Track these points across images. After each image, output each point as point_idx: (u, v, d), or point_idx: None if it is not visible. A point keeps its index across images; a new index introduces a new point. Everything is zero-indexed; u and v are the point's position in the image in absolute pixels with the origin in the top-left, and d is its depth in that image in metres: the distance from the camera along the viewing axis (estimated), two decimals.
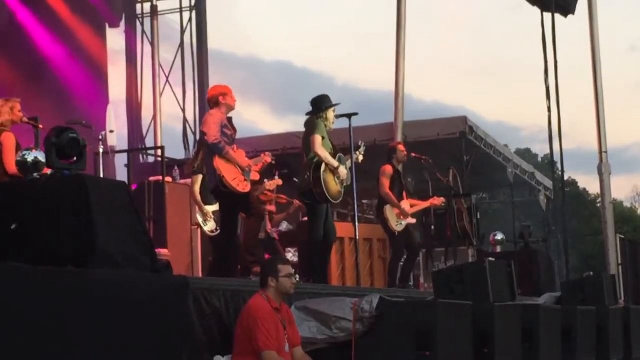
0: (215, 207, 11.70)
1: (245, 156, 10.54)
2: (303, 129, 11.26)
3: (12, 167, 9.26)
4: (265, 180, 13.33)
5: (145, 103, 21.97)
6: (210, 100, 10.45)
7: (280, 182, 13.81)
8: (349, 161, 11.24)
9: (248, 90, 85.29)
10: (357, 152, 11.56)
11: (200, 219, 12.16)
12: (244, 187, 10.17)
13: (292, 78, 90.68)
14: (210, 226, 12.08)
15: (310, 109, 11.20)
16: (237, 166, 10.14)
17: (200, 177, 11.88)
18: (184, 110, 21.92)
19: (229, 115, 10.54)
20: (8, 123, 9.91)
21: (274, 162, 12.19)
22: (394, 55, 17.54)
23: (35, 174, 8.20)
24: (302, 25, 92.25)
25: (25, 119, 10.48)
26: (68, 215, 7.46)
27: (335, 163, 10.93)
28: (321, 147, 10.82)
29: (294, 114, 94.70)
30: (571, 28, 17.22)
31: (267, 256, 12.19)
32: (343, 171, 11.00)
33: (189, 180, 14.07)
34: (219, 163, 10.00)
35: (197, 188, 12.06)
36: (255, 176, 10.90)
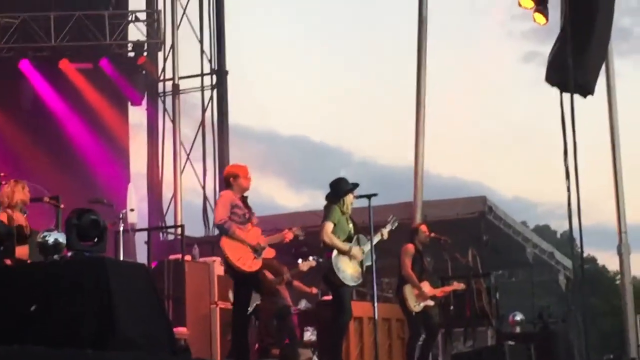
0: None
1: (260, 234, 10.53)
2: (321, 205, 11.33)
3: None
4: (300, 261, 13.24)
5: (165, 179, 22.16)
6: (224, 179, 10.64)
7: (314, 263, 13.49)
8: (363, 247, 11.21)
9: (265, 164, 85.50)
10: (386, 227, 11.58)
11: (232, 297, 12.14)
12: (250, 265, 10.17)
13: (309, 152, 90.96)
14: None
15: (329, 189, 11.24)
16: (245, 245, 10.18)
17: None
18: (204, 188, 22.07)
19: (245, 194, 10.58)
20: (20, 203, 9.98)
21: (301, 239, 12.13)
22: (412, 130, 17.63)
23: (56, 256, 8.23)
24: (318, 100, 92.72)
25: (46, 199, 10.57)
26: (88, 297, 7.48)
27: (345, 247, 10.92)
28: (329, 234, 10.85)
29: (311, 189, 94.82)
30: (590, 106, 17.30)
31: (286, 340, 12.15)
32: (356, 252, 10.99)
33: (208, 259, 14.16)
34: (224, 243, 10.10)
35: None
36: (270, 253, 10.91)
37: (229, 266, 10.23)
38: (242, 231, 10.19)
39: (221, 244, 10.12)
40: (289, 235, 11.31)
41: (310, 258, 13.46)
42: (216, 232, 21.13)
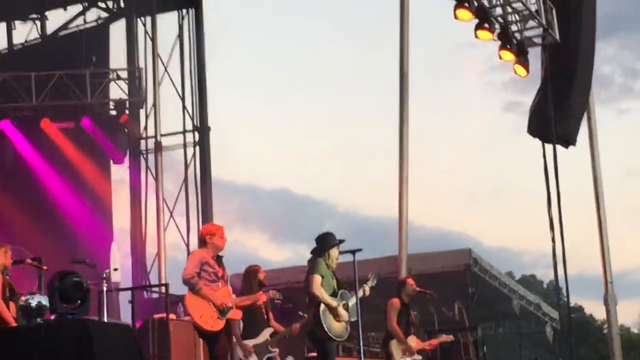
0: (255, 341, 11.59)
1: (230, 294, 10.39)
2: (304, 260, 11.26)
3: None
4: (295, 325, 12.78)
5: (149, 236, 22.04)
6: (199, 239, 10.48)
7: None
8: (354, 298, 11.16)
9: (248, 218, 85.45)
10: (368, 283, 11.50)
11: (240, 354, 12.00)
12: (212, 325, 9.95)
13: (292, 205, 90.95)
14: None
15: (315, 243, 11.19)
16: (210, 303, 9.97)
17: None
18: (187, 244, 21.94)
19: (220, 254, 10.43)
20: (2, 267, 9.86)
21: (278, 300, 11.98)
22: (395, 181, 17.62)
23: (39, 319, 8.16)
24: (300, 153, 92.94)
25: (29, 260, 10.48)
26: None
27: (333, 303, 10.84)
28: (319, 287, 10.77)
29: (294, 242, 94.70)
30: (572, 156, 17.38)
31: None
32: (342, 312, 10.91)
33: None
34: (188, 299, 9.95)
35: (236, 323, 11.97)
36: (237, 315, 10.70)
37: (193, 323, 10.12)
38: (209, 289, 10.01)
39: (185, 300, 10.02)
40: (262, 298, 11.19)
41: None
42: None
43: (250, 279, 11.79)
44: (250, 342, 11.78)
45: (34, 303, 8.35)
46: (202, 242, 10.31)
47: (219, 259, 10.35)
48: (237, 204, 74.22)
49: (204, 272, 10.02)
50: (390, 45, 19.91)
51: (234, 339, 11.91)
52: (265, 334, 11.66)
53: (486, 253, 20.70)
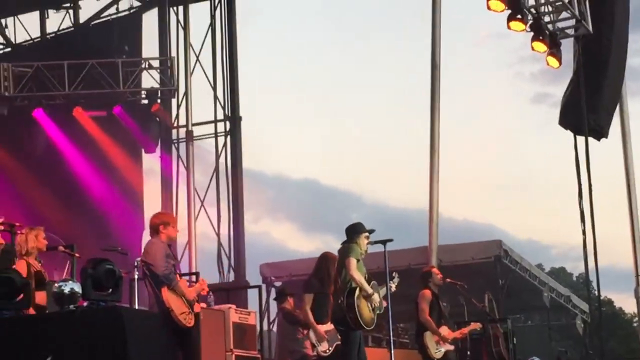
0: (327, 327, 11.61)
1: (186, 285, 9.87)
2: (332, 249, 11.27)
3: None
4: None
5: (179, 226, 22.07)
6: (152, 228, 9.77)
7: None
8: (383, 289, 11.18)
9: (276, 209, 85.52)
10: (391, 282, 11.49)
11: (313, 339, 12.02)
12: (189, 321, 9.46)
13: (320, 196, 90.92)
14: (324, 346, 11.94)
15: (345, 235, 11.21)
16: (183, 299, 9.48)
17: (312, 296, 11.82)
18: (218, 235, 22.01)
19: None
20: (34, 250, 9.95)
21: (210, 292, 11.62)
22: (423, 172, 17.62)
23: (72, 306, 8.22)
24: (329, 144, 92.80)
25: (61, 248, 10.56)
26: (103, 347, 7.47)
27: (369, 289, 10.87)
28: (356, 271, 10.78)
29: (322, 233, 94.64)
30: (604, 148, 17.28)
31: None
32: (376, 299, 10.94)
33: (223, 306, 14.09)
34: (167, 295, 9.29)
35: (309, 307, 11.98)
36: (198, 308, 10.33)
37: (170, 320, 9.26)
38: (181, 284, 9.58)
39: (164, 296, 9.27)
40: (206, 288, 10.43)
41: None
42: (231, 278, 21.31)
43: (328, 264, 11.61)
44: (322, 328, 11.80)
45: (66, 290, 8.41)
46: (155, 232, 9.69)
47: (170, 249, 9.90)
48: (265, 195, 74.24)
49: (168, 265, 9.50)
50: (422, 36, 19.90)
51: (309, 324, 11.89)
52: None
53: (515, 246, 20.65)
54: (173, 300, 9.32)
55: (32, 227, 10.26)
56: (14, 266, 9.64)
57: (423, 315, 12.85)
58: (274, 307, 20.08)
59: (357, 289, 10.75)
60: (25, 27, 24.35)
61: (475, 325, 14.08)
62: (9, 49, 24.27)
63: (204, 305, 13.66)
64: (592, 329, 23.90)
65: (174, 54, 22.50)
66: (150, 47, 23.05)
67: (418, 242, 19.15)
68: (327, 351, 11.81)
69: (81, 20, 23.94)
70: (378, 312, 11.04)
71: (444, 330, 12.95)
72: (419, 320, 12.98)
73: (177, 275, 9.68)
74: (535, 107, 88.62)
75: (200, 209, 22.17)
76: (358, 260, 10.87)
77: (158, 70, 21.77)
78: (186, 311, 9.42)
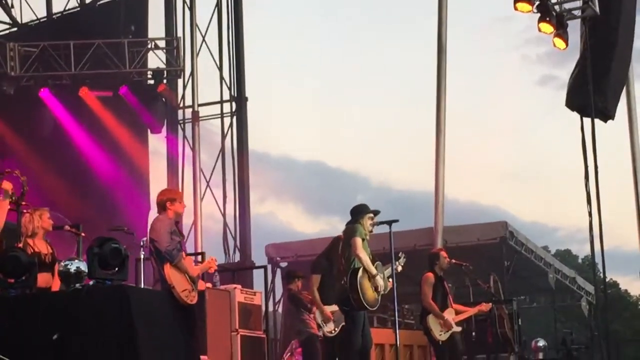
0: (333, 308, 11.63)
1: (192, 263, 9.94)
2: (338, 231, 11.28)
3: None
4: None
5: (185, 206, 22.10)
6: (158, 204, 9.83)
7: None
8: (388, 269, 11.18)
9: (283, 190, 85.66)
10: (397, 263, 11.50)
11: (319, 319, 12.07)
12: (192, 298, 9.45)
13: (326, 178, 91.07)
14: (329, 327, 11.99)
15: (350, 216, 11.22)
16: (186, 276, 9.48)
17: (319, 277, 11.85)
18: (224, 216, 22.04)
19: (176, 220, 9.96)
20: (39, 230, 9.94)
21: (216, 272, 11.62)
22: (427, 154, 17.63)
23: (78, 284, 8.24)
24: (335, 126, 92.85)
25: (67, 227, 10.58)
26: (110, 326, 7.50)
27: (373, 270, 10.87)
28: (362, 250, 10.79)
29: (328, 214, 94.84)
30: (610, 130, 17.27)
31: None
32: (380, 281, 10.94)
33: (229, 286, 14.13)
34: (170, 272, 9.30)
35: (316, 288, 12.02)
36: (202, 286, 10.30)
37: (171, 297, 9.28)
38: (185, 261, 9.59)
39: (166, 272, 9.30)
40: (214, 266, 10.36)
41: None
42: (237, 259, 21.35)
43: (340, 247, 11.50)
44: (329, 309, 11.83)
45: (72, 268, 8.42)
46: (162, 208, 9.74)
47: (177, 226, 9.91)
48: (271, 176, 74.36)
49: (173, 242, 9.52)
50: (428, 18, 19.87)
51: (315, 304, 11.94)
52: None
53: (520, 228, 20.64)
54: (175, 276, 9.31)
55: (37, 207, 10.28)
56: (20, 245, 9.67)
57: (426, 300, 12.84)
58: (279, 287, 20.18)
59: (361, 269, 10.76)
60: (31, 6, 24.35)
61: (484, 307, 13.99)
62: (15, 29, 24.22)
63: (209, 285, 13.74)
64: (597, 311, 23.94)
65: (180, 34, 22.48)
66: (156, 27, 23.04)
67: (423, 224, 19.18)
68: (333, 332, 11.86)
69: (87, 0, 23.90)
70: (382, 292, 11.05)
71: (450, 314, 12.93)
72: (422, 304, 13.00)
73: (183, 253, 9.64)
74: (541, 89, 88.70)
75: (206, 189, 22.19)
76: (363, 240, 10.89)
77: (164, 51, 21.75)
78: (188, 288, 9.39)
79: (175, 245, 9.46)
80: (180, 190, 21.84)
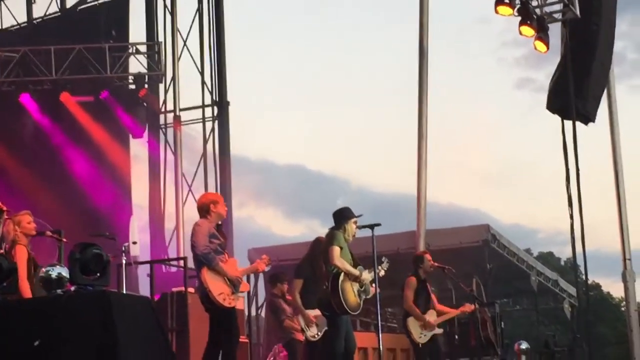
0: (316, 312, 11.60)
1: (236, 265, 10.04)
2: (317, 235, 11.26)
3: (22, 283, 9.11)
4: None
5: (167, 211, 22.10)
6: (201, 208, 10.01)
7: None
8: (371, 273, 11.16)
9: (262, 194, 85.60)
10: (380, 267, 11.47)
11: (302, 323, 12.03)
12: (230, 301, 9.59)
13: (306, 181, 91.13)
14: (312, 331, 11.95)
15: (332, 220, 11.20)
16: (225, 279, 9.64)
17: (301, 281, 11.84)
18: None
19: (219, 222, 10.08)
20: (21, 236, 9.76)
21: (266, 270, 11.80)
22: (409, 159, 17.62)
23: (59, 290, 8.20)
24: (315, 129, 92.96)
25: (49, 233, 10.52)
26: (91, 332, 7.45)
27: (356, 272, 10.85)
28: (339, 259, 10.75)
29: (307, 218, 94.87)
30: (591, 134, 17.34)
31: None
32: (367, 276, 10.93)
33: None
34: (206, 275, 9.50)
35: (297, 292, 11.99)
36: (245, 287, 10.43)
37: (208, 301, 9.57)
38: (223, 263, 9.70)
39: (203, 276, 9.51)
40: (262, 266, 10.63)
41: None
42: None
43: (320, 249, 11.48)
44: (312, 313, 11.81)
45: (54, 274, 8.37)
46: (205, 212, 9.92)
47: (219, 228, 10.03)
48: (251, 180, 74.33)
49: (212, 245, 9.69)
50: (409, 21, 19.89)
51: (297, 309, 11.94)
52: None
53: (501, 230, 20.66)
54: (211, 280, 9.50)
55: (12, 216, 10.13)
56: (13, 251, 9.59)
57: (407, 303, 12.87)
58: (262, 292, 20.14)
59: (342, 274, 10.74)
60: (11, 11, 24.29)
61: (467, 308, 13.98)
62: None
63: (191, 290, 13.69)
64: (579, 313, 23.99)
65: (161, 38, 22.46)
66: (137, 32, 23.01)
67: (404, 228, 19.20)
68: (316, 336, 11.83)
69: (68, 5, 23.83)
70: (365, 297, 11.03)
71: (432, 315, 12.96)
72: (404, 306, 13.01)
73: (226, 254, 9.83)
74: (519, 92, 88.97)
75: (188, 194, 22.15)
76: (342, 248, 10.85)
77: (145, 55, 21.71)
78: (226, 291, 9.56)
79: (212, 249, 9.61)
80: (162, 195, 21.91)
